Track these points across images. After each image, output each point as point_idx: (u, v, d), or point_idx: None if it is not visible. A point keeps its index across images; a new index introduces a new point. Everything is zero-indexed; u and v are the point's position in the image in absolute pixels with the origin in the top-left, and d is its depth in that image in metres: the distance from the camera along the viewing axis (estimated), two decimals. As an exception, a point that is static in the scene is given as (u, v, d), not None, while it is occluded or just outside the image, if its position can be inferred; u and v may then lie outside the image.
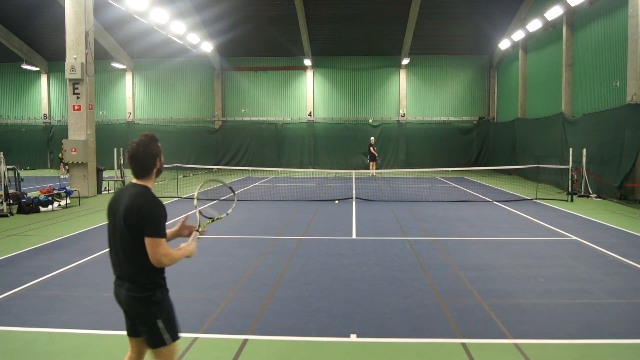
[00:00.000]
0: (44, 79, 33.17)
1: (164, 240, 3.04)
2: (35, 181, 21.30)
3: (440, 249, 8.70)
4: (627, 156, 14.77)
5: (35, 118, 33.56)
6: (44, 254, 8.43)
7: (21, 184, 14.91)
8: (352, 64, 31.62)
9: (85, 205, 14.56)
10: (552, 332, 5.02)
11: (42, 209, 13.41)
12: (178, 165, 19.36)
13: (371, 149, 26.31)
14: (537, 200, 15.20)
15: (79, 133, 16.83)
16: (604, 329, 5.12)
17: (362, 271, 7.27)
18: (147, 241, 2.99)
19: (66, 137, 17.20)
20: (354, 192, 15.69)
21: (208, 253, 8.31)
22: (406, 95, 31.43)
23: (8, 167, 13.44)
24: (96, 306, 5.84)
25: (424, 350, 4.65)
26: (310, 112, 31.63)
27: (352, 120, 31.76)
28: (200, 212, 3.58)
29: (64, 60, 16.65)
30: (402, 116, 31.37)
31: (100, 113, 32.02)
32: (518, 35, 24.48)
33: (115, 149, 19.22)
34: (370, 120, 25.70)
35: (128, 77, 32.64)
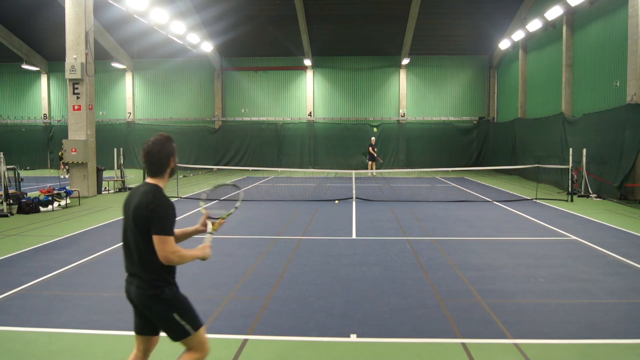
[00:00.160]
0: (44, 79, 33.17)
1: (170, 238, 3.07)
2: (35, 181, 21.29)
3: (440, 249, 8.70)
4: (627, 156, 14.77)
5: (35, 118, 33.56)
6: (44, 254, 8.43)
7: (21, 184, 14.91)
8: (352, 64, 31.61)
9: (85, 206, 14.56)
10: (552, 332, 5.02)
11: (42, 209, 13.41)
12: (178, 165, 19.34)
13: (370, 149, 26.31)
14: (537, 200, 15.20)
15: (79, 133, 16.82)
16: (604, 329, 5.12)
17: (362, 271, 7.27)
18: (154, 239, 3.04)
19: (66, 137, 17.19)
20: (354, 192, 15.69)
21: (208, 253, 8.28)
22: (406, 95, 31.43)
23: (8, 167, 13.44)
24: (96, 306, 5.84)
25: (424, 350, 4.65)
26: (310, 112, 31.63)
27: (352, 120, 31.76)
28: (208, 217, 3.58)
29: (64, 60, 16.66)
30: (402, 116, 31.37)
31: (100, 113, 32.02)
32: (518, 35, 24.48)
33: (115, 149, 19.22)
34: (375, 130, 25.67)
35: (128, 77, 32.63)
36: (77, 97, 16.75)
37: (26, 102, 33.74)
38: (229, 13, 26.62)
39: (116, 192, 18.13)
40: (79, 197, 15.34)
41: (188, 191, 17.67)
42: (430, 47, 30.20)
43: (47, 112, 33.40)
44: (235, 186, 4.29)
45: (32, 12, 27.32)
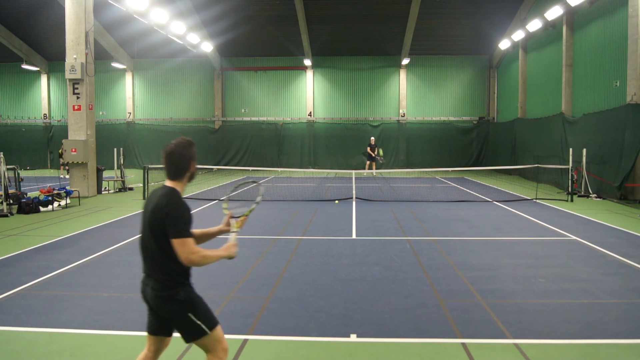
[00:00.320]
0: (44, 79, 33.16)
1: (189, 239, 3.07)
2: (35, 181, 21.29)
3: (440, 249, 8.70)
4: (627, 156, 14.77)
5: (35, 118, 33.55)
6: (44, 254, 8.42)
7: (21, 184, 14.92)
8: (352, 64, 31.61)
9: (85, 206, 14.55)
10: (552, 332, 5.02)
11: (42, 209, 13.41)
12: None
13: (369, 149, 26.27)
14: (537, 200, 15.20)
15: (79, 133, 16.82)
16: (604, 329, 5.12)
17: (362, 271, 7.27)
18: (173, 243, 3.04)
19: (66, 137, 17.19)
20: (354, 192, 15.69)
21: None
22: (406, 95, 31.43)
23: (8, 167, 13.44)
24: (96, 306, 5.84)
25: (424, 350, 4.65)
26: (310, 112, 31.62)
27: (352, 120, 31.76)
28: (231, 216, 3.58)
29: (64, 60, 16.65)
30: (402, 116, 31.37)
31: (100, 113, 32.01)
32: (518, 35, 24.48)
33: (115, 149, 19.21)
34: (372, 139, 25.68)
35: (128, 77, 32.63)
36: (77, 97, 16.75)
37: (26, 102, 33.74)
38: (229, 13, 26.62)
39: (116, 192, 18.13)
40: (79, 197, 15.33)
41: (188, 191, 17.66)
42: (430, 47, 30.20)
43: (47, 112, 33.40)
44: (254, 182, 4.28)
45: (32, 12, 27.32)
